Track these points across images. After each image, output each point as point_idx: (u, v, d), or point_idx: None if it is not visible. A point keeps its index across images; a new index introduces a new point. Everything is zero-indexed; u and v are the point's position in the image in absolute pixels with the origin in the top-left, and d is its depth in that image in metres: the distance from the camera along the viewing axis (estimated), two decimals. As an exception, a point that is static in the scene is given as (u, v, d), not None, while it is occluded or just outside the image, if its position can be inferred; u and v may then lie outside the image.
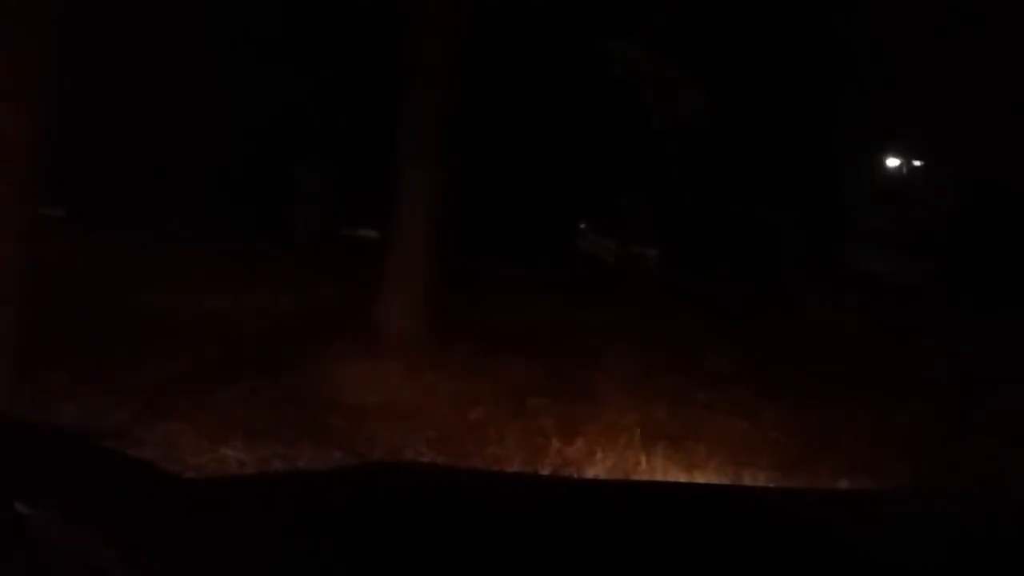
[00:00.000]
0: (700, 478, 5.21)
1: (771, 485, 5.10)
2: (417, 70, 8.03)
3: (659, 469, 5.31)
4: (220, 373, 6.13)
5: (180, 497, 1.54)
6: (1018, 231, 18.07)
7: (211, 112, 13.53)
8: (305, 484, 1.82)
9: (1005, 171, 18.05)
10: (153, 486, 1.54)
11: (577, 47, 15.47)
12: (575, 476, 5.02)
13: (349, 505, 1.58)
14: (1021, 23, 15.09)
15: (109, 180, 12.84)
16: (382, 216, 8.43)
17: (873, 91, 17.23)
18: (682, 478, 5.18)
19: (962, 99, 16.73)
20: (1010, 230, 18.23)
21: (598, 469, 5.24)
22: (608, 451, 5.49)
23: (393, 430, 5.67)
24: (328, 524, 1.49)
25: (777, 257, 16.91)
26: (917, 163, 21.98)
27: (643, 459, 5.43)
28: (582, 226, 18.86)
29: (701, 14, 15.74)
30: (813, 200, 17.91)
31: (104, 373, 5.72)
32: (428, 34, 7.98)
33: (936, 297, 16.17)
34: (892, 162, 22.22)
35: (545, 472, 5.14)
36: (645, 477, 5.12)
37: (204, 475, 4.31)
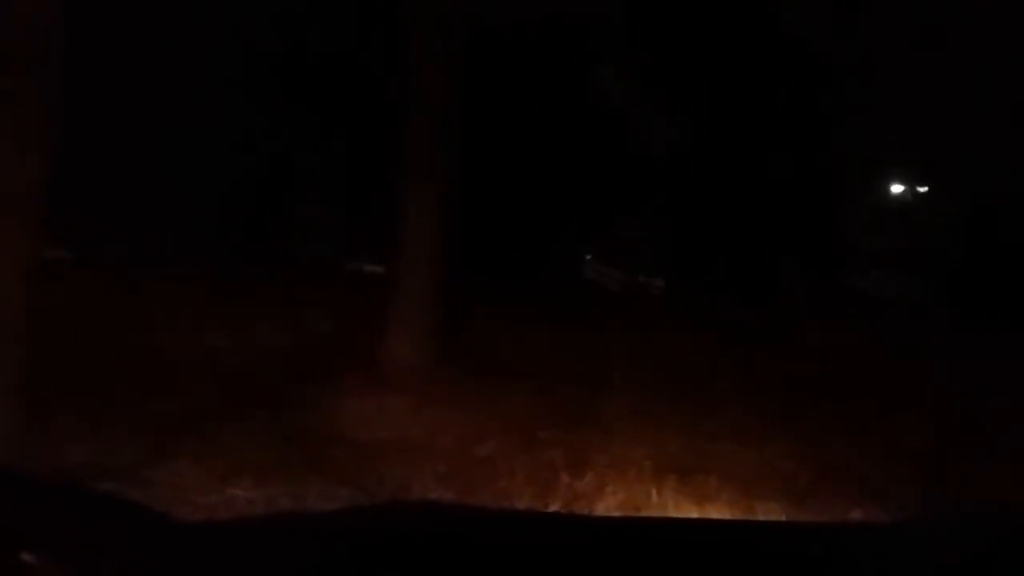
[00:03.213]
0: (712, 511, 5.17)
1: (783, 519, 5.05)
2: (418, 104, 8.07)
3: (670, 502, 5.26)
4: (227, 411, 6.11)
5: (189, 545, 1.53)
6: (1019, 253, 18.07)
7: (214, 148, 13.61)
8: (318, 527, 1.80)
9: (1006, 194, 18.08)
10: (158, 534, 1.53)
11: (579, 76, 15.56)
12: (587, 513, 4.98)
13: (364, 548, 1.56)
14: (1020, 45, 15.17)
15: (113, 220, 12.89)
16: (387, 250, 8.43)
17: (877, 117, 17.29)
18: (693, 511, 5.14)
19: (964, 123, 16.77)
20: (1012, 252, 18.24)
21: (609, 503, 5.20)
22: (618, 485, 5.45)
23: (401, 465, 5.64)
24: (344, 568, 1.47)
25: (782, 282, 16.88)
26: (921, 189, 22.05)
27: (654, 492, 5.38)
28: (588, 257, 18.88)
29: (703, 44, 15.84)
30: (817, 225, 17.94)
31: (111, 413, 5.71)
32: (428, 68, 8.02)
33: (940, 319, 16.14)
34: (896, 188, 22.28)
35: (555, 507, 5.11)
36: (656, 511, 5.08)
37: (213, 516, 4.29)
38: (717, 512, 5.17)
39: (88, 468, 4.78)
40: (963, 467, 6.43)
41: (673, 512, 5.10)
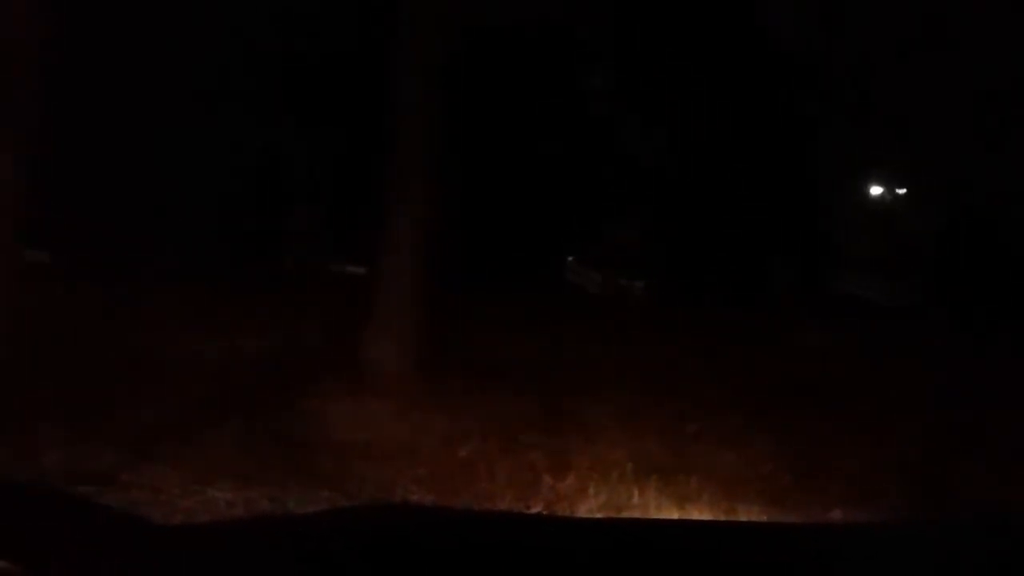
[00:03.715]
0: (693, 511, 5.18)
1: (763, 520, 5.06)
2: (402, 109, 8.05)
3: (651, 503, 5.27)
4: (208, 414, 6.08)
5: (166, 548, 1.52)
6: (1002, 254, 18.20)
7: (199, 153, 13.55)
8: (298, 529, 1.79)
9: (987, 195, 18.21)
10: (135, 538, 1.52)
11: (562, 83, 15.58)
12: (568, 514, 4.98)
13: (344, 550, 1.56)
14: (1003, 49, 15.30)
15: (95, 223, 12.81)
16: (370, 252, 8.41)
17: (856, 122, 17.40)
18: (674, 512, 5.15)
19: (943, 125, 16.89)
20: (994, 253, 18.36)
21: (590, 504, 5.20)
22: (600, 486, 5.45)
23: (382, 468, 5.63)
24: (324, 571, 1.47)
25: (765, 284, 16.95)
26: (900, 191, 22.21)
27: (635, 493, 5.39)
28: (570, 259, 18.89)
29: (689, 48, 15.89)
30: (800, 228, 18.02)
31: (91, 417, 5.67)
32: (412, 74, 8.00)
33: (923, 320, 16.22)
34: (876, 190, 22.44)
35: (537, 509, 5.10)
36: (638, 512, 5.09)
37: (192, 519, 4.27)
38: (697, 512, 5.18)
39: (67, 472, 4.74)
40: (961, 468, 6.45)
41: (655, 513, 5.11)
